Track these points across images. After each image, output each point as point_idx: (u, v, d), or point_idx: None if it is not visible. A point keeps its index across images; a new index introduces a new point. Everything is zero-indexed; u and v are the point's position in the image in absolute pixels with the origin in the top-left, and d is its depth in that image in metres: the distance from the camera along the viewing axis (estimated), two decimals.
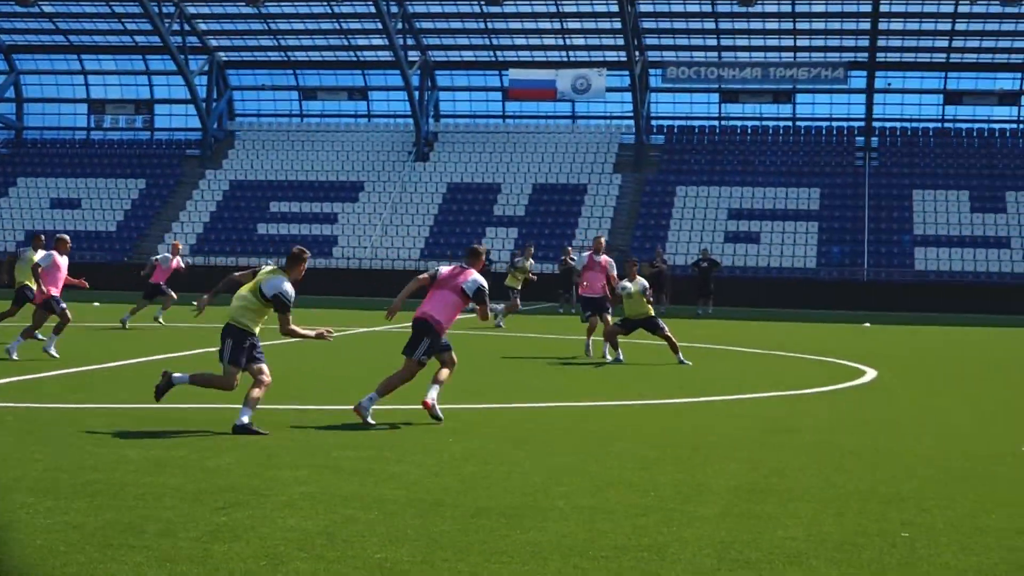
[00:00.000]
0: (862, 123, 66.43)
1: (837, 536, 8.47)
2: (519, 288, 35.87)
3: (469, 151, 67.97)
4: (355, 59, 71.00)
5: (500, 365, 22.14)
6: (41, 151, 71.86)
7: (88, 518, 8.43)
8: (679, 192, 63.25)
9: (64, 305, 21.51)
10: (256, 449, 11.50)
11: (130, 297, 48.29)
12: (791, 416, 14.90)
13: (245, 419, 12.46)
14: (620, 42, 64.65)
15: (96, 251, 61.45)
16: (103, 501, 9.03)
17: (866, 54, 64.27)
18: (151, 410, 14.06)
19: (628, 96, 67.64)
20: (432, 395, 13.51)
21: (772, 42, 65.86)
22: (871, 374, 21.23)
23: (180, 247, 32.96)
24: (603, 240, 25.52)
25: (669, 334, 22.74)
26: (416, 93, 67.58)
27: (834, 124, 68.56)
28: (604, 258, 24.55)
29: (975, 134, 66.95)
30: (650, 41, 66.47)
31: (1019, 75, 66.52)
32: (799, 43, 65.53)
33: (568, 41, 67.26)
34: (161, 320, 30.58)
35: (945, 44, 64.58)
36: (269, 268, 13.15)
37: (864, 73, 65.19)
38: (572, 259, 42.92)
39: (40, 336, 21.78)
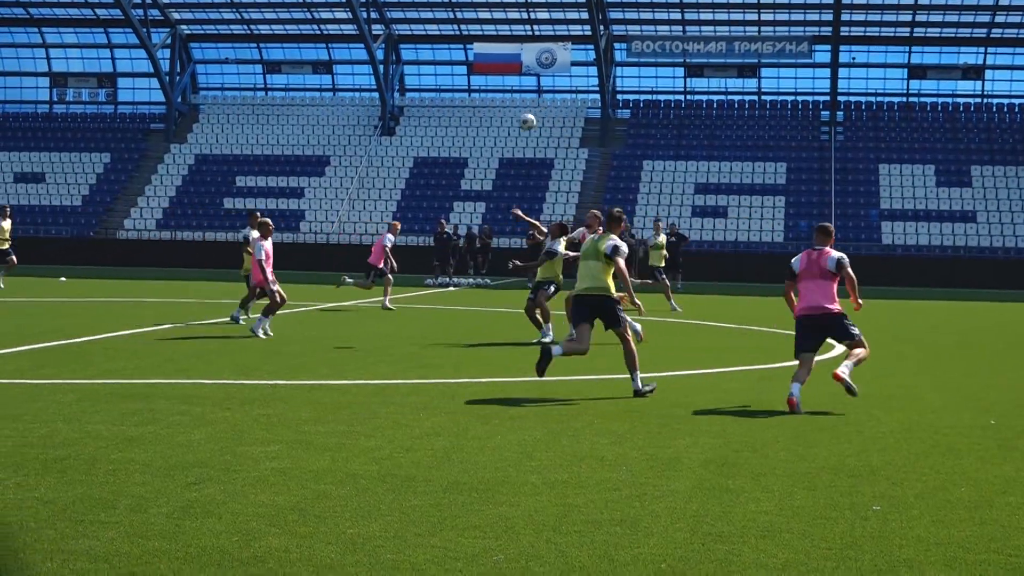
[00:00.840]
0: (827, 97, 66.66)
1: (809, 509, 8.48)
2: (662, 266, 34.29)
3: (435, 125, 67.89)
4: (319, 32, 70.74)
5: (473, 340, 22.11)
6: (3, 125, 71.33)
7: (58, 494, 8.38)
8: (646, 167, 63.38)
9: (277, 287, 21.81)
10: (226, 425, 11.45)
11: (98, 272, 48.14)
12: (761, 390, 14.92)
13: (640, 383, 14.16)
14: (584, 16, 64.66)
15: (62, 226, 61.11)
16: (73, 476, 8.98)
17: (830, 28, 64.40)
18: (119, 386, 14.02)
19: (594, 70, 67.72)
20: (843, 370, 13.58)
21: (736, 16, 65.97)
22: (839, 348, 21.26)
23: (399, 227, 30.85)
24: (597, 214, 24.46)
25: (545, 307, 22.20)
26: (381, 67, 67.41)
27: (799, 98, 68.79)
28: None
29: (939, 108, 67.28)
30: (614, 15, 66.48)
31: (982, 49, 66.79)
32: (763, 17, 65.68)
33: (533, 15, 67.14)
34: (388, 304, 29.06)
35: (909, 18, 64.78)
36: (599, 235, 14.89)
37: (828, 47, 65.36)
38: (679, 233, 41.83)
39: (244, 315, 23.00)
